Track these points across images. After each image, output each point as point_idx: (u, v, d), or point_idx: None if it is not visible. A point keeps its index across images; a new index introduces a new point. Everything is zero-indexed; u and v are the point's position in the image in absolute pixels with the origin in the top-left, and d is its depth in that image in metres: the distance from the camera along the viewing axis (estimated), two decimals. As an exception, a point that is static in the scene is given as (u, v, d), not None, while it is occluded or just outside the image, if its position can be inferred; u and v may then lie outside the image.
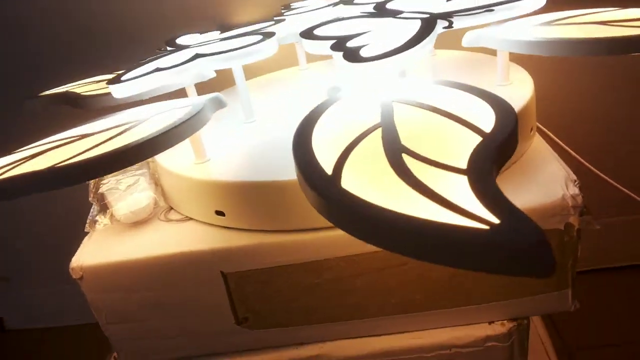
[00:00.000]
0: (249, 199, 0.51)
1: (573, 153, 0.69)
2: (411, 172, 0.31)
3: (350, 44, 0.49)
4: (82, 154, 0.45)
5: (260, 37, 0.59)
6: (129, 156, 0.44)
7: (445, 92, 0.44)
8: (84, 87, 0.75)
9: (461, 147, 0.34)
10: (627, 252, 1.07)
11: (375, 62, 0.43)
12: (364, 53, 0.45)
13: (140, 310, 0.54)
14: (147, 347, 0.57)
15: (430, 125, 0.38)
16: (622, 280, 1.04)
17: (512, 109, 0.38)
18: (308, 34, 0.56)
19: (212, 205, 0.53)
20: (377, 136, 0.37)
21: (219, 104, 0.55)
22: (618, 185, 0.74)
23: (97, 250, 0.54)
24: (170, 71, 0.54)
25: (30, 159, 0.47)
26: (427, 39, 0.47)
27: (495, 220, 0.26)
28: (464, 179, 0.30)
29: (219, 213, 0.53)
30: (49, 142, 0.51)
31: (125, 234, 0.55)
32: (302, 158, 0.35)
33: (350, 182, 0.32)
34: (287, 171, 0.49)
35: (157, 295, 0.53)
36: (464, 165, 0.31)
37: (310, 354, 0.55)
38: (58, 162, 0.44)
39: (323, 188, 0.31)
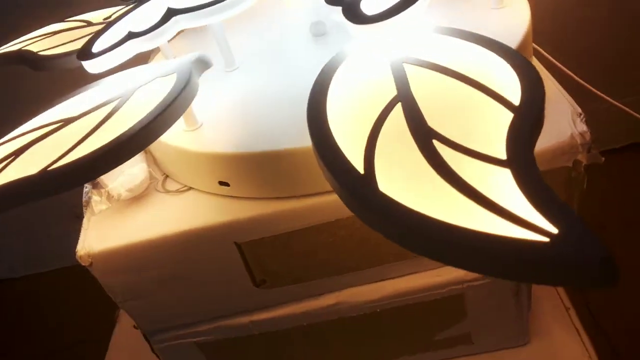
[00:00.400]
0: (254, 169, 0.49)
1: (571, 74, 0.68)
2: (448, 166, 0.30)
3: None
4: (74, 150, 0.42)
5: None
6: (128, 149, 0.40)
7: (455, 45, 0.41)
8: (39, 42, 0.68)
9: (492, 126, 0.32)
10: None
11: (385, 22, 0.39)
12: (365, 6, 0.42)
13: (156, 286, 0.54)
14: (166, 316, 0.58)
15: (451, 97, 0.36)
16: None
17: (535, 71, 0.36)
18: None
19: (215, 176, 0.51)
20: (399, 115, 0.35)
21: (205, 65, 0.50)
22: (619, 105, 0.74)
23: (102, 234, 0.52)
24: (147, 37, 0.49)
25: (13, 159, 0.44)
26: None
27: (554, 229, 0.25)
28: (507, 173, 0.29)
29: (223, 183, 0.51)
30: (28, 132, 0.46)
31: (127, 213, 0.53)
32: (326, 152, 0.33)
33: (386, 182, 0.30)
34: (291, 135, 0.47)
35: (170, 271, 0.53)
36: (502, 153, 0.30)
37: (329, 302, 0.57)
38: (49, 162, 0.41)
39: (361, 194, 0.30)
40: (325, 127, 0.35)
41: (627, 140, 1.09)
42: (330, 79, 0.40)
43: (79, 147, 0.42)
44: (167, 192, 0.55)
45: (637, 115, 0.75)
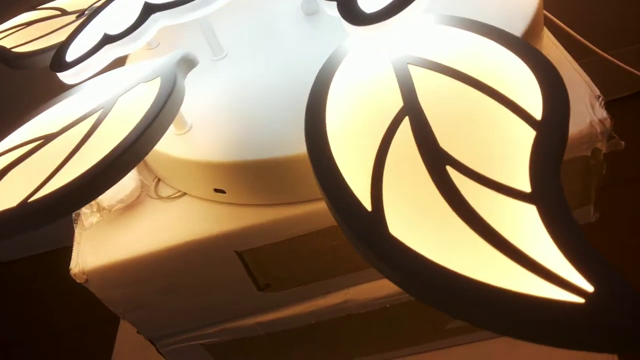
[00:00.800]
0: (250, 177, 0.46)
1: (582, 39, 0.63)
2: (465, 202, 0.27)
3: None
4: (57, 174, 0.39)
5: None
6: (115, 171, 0.37)
7: (462, 39, 0.37)
8: (12, 36, 0.63)
9: (511, 147, 0.29)
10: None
11: (384, 22, 0.35)
12: (363, 4, 0.37)
13: (157, 297, 0.52)
14: (170, 323, 0.56)
15: (463, 107, 0.32)
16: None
17: (556, 71, 0.32)
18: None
19: (210, 184, 0.48)
20: (406, 132, 0.32)
21: (190, 65, 0.46)
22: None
23: (95, 248, 0.49)
24: (124, 41, 0.44)
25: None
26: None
27: (589, 287, 0.22)
28: (532, 211, 0.26)
29: (219, 191, 0.48)
30: (4, 152, 0.43)
31: (120, 224, 0.50)
32: (330, 186, 0.30)
33: (397, 221, 0.27)
34: (288, 140, 0.44)
35: (170, 282, 0.51)
36: (526, 184, 0.27)
37: (337, 301, 0.55)
38: (30, 192, 0.38)
39: (370, 240, 0.27)
40: (327, 153, 0.32)
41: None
42: (328, 86, 0.37)
43: (62, 170, 0.39)
44: (161, 198, 0.52)
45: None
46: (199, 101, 0.51)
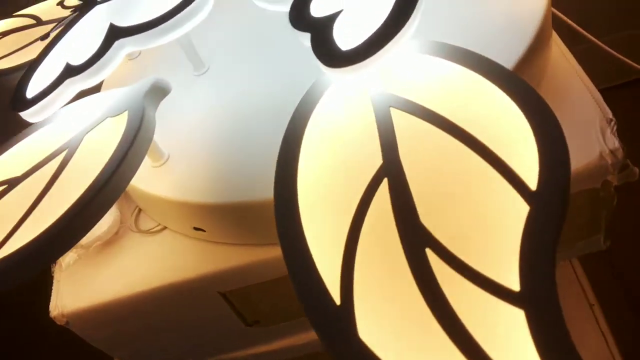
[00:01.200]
0: (231, 218, 0.43)
1: (592, 38, 0.58)
2: (445, 299, 0.24)
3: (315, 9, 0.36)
4: (22, 226, 0.36)
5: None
6: (86, 220, 0.35)
7: (451, 75, 0.33)
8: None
9: (500, 226, 0.25)
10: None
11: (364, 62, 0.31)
12: (340, 36, 0.33)
13: (142, 334, 0.50)
14: (160, 356, 0.54)
15: (449, 169, 0.29)
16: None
17: (555, 122, 0.28)
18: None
19: (189, 222, 0.45)
20: (384, 200, 0.28)
21: (161, 93, 0.43)
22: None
23: (75, 290, 0.47)
24: (87, 73, 0.41)
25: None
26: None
27: None
28: (519, 317, 0.22)
29: (199, 229, 0.45)
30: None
31: (100, 263, 0.48)
32: (297, 269, 0.27)
33: (367, 319, 0.24)
34: (270, 179, 0.40)
35: (154, 320, 0.49)
36: (515, 280, 0.23)
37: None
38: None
39: (335, 338, 0.24)
40: (297, 226, 0.28)
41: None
42: (302, 132, 0.33)
43: (27, 221, 0.37)
44: (141, 232, 0.49)
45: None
46: (179, 126, 0.48)
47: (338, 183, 0.30)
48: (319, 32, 0.34)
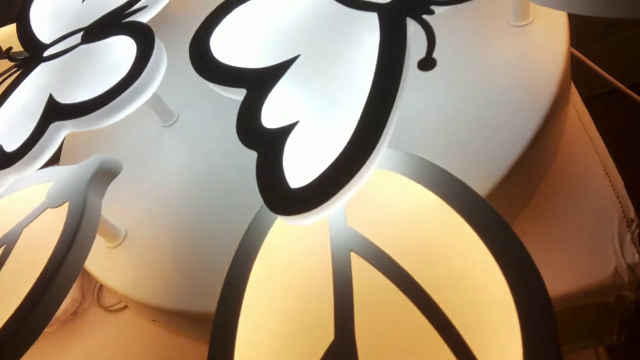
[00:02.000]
0: (187, 322, 0.38)
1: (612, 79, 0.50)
2: None
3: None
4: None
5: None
6: (27, 332, 0.31)
7: (426, 215, 0.27)
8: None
9: None
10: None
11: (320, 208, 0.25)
12: (292, 160, 0.27)
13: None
14: None
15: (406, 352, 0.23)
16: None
17: (545, 294, 0.22)
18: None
19: (146, 314, 0.41)
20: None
21: (109, 175, 0.38)
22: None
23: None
24: (21, 163, 0.36)
25: None
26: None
27: None
28: None
29: (156, 321, 0.41)
30: None
31: (60, 346, 0.44)
32: None
33: None
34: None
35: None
36: None
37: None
38: None
39: None
40: None
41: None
42: (247, 276, 0.28)
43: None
44: (102, 308, 0.45)
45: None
46: (141, 195, 0.43)
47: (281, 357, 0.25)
48: (268, 151, 0.28)
